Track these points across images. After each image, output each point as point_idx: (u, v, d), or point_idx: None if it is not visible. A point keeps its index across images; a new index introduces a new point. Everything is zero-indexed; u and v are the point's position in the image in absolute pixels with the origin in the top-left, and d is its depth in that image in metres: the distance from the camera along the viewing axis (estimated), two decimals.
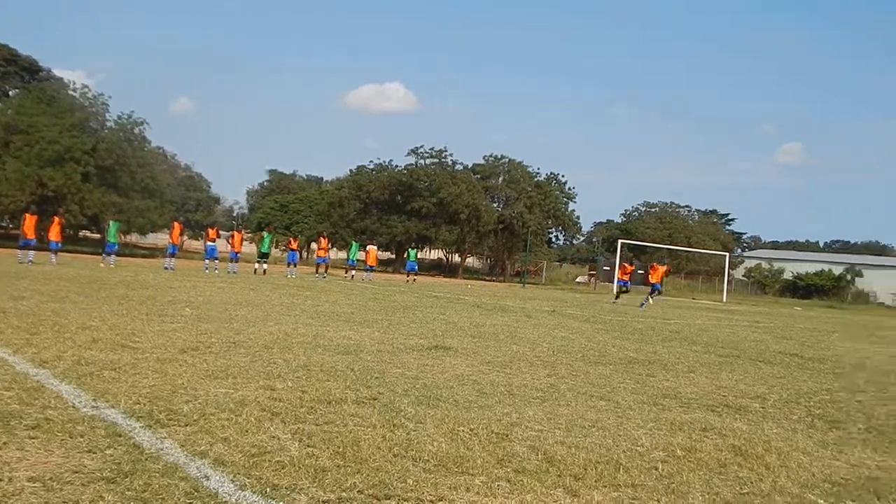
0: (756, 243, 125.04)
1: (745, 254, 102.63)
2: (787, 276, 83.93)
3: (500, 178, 67.69)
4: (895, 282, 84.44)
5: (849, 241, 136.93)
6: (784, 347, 15.84)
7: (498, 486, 4.53)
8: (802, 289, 79.41)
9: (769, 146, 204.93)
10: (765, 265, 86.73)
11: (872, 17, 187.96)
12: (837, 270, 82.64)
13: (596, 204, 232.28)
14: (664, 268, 35.70)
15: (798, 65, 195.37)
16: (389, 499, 4.18)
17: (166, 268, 30.45)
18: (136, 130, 52.16)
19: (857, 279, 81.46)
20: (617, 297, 34.10)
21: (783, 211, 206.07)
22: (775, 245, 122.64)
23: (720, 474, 5.21)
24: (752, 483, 5.06)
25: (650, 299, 32.27)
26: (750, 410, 7.82)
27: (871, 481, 5.34)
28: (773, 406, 8.21)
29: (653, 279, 32.91)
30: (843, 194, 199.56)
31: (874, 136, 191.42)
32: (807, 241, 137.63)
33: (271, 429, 5.39)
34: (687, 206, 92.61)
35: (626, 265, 36.36)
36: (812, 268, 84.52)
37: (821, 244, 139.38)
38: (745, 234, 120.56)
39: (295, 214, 72.22)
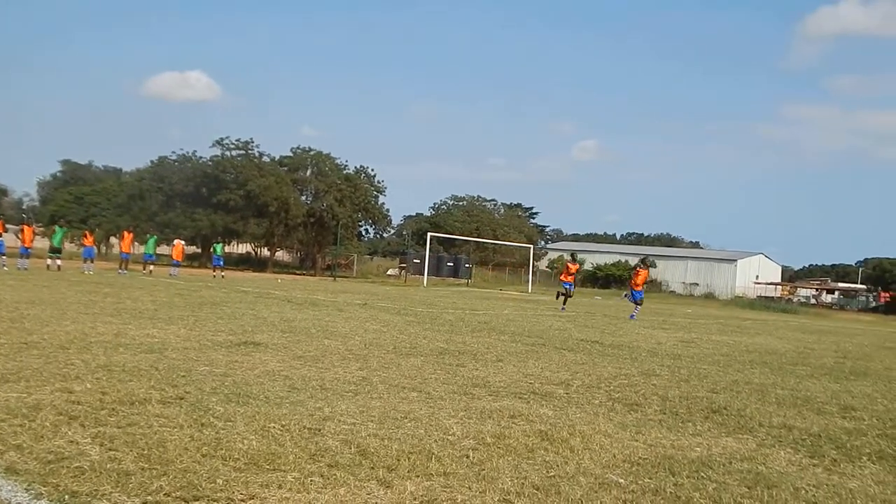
0: (558, 236, 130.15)
1: (548, 246, 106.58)
2: (588, 267, 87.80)
3: (309, 171, 67.09)
4: (684, 272, 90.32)
5: (642, 234, 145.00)
6: (586, 335, 16.53)
7: (311, 481, 4.48)
8: (602, 279, 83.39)
9: (567, 142, 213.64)
10: (567, 257, 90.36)
11: (669, 26, 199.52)
12: (633, 261, 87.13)
13: (406, 197, 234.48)
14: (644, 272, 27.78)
15: (587, 63, 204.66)
16: (198, 500, 4.04)
17: None
18: None
19: (651, 269, 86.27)
20: (564, 302, 28.66)
21: (582, 205, 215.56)
22: (576, 237, 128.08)
23: (528, 459, 5.36)
24: (558, 466, 5.24)
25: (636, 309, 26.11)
26: (555, 396, 8.10)
27: (666, 459, 5.65)
28: (576, 391, 8.54)
29: (635, 286, 26.46)
30: (636, 189, 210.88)
31: (662, 136, 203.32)
32: (605, 233, 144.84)
33: (69, 433, 5.10)
34: (493, 200, 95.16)
35: (570, 265, 29.95)
36: (610, 259, 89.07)
37: (617, 237, 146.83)
38: (548, 226, 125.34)
39: (92, 207, 68.74)
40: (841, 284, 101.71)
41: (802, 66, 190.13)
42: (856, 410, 8.66)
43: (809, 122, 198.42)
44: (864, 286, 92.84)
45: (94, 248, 37.53)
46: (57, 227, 35.26)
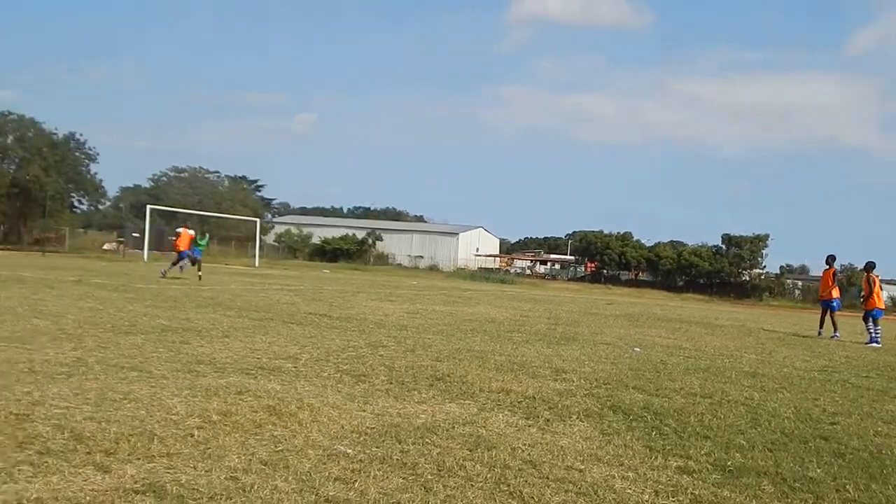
0: (286, 209, 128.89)
1: (275, 219, 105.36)
2: (316, 240, 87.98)
3: (11, 138, 61.77)
4: (409, 245, 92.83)
5: (369, 208, 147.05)
6: (314, 308, 16.54)
7: (19, 470, 4.16)
8: (330, 252, 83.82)
9: (286, 114, 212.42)
10: (294, 230, 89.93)
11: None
12: (360, 235, 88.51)
13: (121, 168, 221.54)
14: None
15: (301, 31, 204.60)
16: None
17: None
18: None
19: (377, 243, 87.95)
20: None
21: (306, 178, 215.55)
22: (304, 211, 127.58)
23: (256, 435, 5.29)
24: (286, 440, 5.21)
25: None
26: (283, 371, 8.04)
27: (393, 427, 5.78)
28: (304, 365, 8.53)
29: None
30: (359, 163, 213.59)
31: (382, 110, 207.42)
32: (332, 207, 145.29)
33: None
34: (217, 172, 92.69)
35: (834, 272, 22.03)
36: (338, 232, 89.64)
37: (345, 210, 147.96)
38: (274, 199, 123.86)
39: None
40: (553, 256, 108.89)
41: (508, 48, 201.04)
42: (566, 373, 9.32)
43: (514, 102, 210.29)
44: (573, 257, 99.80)
45: None
46: None
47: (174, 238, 27.41)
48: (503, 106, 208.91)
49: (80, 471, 4.25)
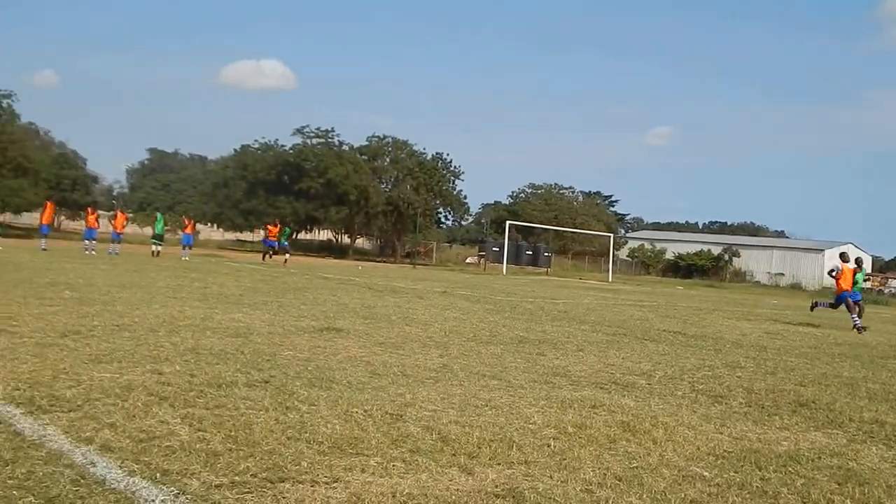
0: (639, 224, 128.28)
1: (628, 235, 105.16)
2: (669, 256, 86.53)
3: (387, 159, 67.47)
4: (769, 261, 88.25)
5: (725, 223, 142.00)
6: (668, 325, 16.30)
7: (393, 466, 4.52)
8: (684, 268, 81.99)
9: (640, 129, 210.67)
10: (647, 246, 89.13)
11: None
12: (716, 251, 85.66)
13: (483, 185, 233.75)
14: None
15: (666, 47, 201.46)
16: (284, 481, 4.11)
17: (44, 249, 29.70)
18: (5, 104, 49.86)
19: (734, 259, 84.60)
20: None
21: (663, 193, 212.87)
22: (657, 226, 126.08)
23: (610, 449, 5.32)
24: (640, 457, 5.18)
25: None
26: (637, 387, 8.01)
27: (752, 453, 5.53)
28: (658, 382, 8.44)
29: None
30: (717, 177, 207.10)
31: (742, 120, 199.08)
32: (686, 222, 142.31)
33: (160, 413, 5.24)
34: (571, 188, 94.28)
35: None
36: (692, 248, 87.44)
37: (699, 225, 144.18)
38: (627, 215, 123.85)
39: (178, 194, 70.44)
40: None
41: (885, 48, 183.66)
42: None
43: (887, 105, 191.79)
44: None
45: (193, 235, 38.95)
46: (158, 215, 36.53)
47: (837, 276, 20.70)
48: (875, 110, 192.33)
49: (446, 471, 4.52)
